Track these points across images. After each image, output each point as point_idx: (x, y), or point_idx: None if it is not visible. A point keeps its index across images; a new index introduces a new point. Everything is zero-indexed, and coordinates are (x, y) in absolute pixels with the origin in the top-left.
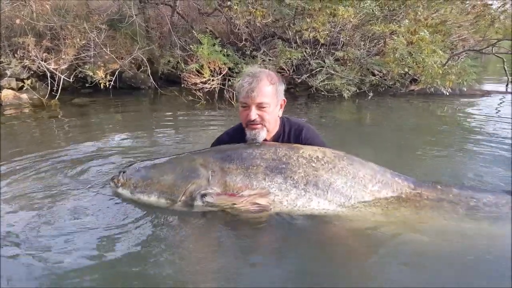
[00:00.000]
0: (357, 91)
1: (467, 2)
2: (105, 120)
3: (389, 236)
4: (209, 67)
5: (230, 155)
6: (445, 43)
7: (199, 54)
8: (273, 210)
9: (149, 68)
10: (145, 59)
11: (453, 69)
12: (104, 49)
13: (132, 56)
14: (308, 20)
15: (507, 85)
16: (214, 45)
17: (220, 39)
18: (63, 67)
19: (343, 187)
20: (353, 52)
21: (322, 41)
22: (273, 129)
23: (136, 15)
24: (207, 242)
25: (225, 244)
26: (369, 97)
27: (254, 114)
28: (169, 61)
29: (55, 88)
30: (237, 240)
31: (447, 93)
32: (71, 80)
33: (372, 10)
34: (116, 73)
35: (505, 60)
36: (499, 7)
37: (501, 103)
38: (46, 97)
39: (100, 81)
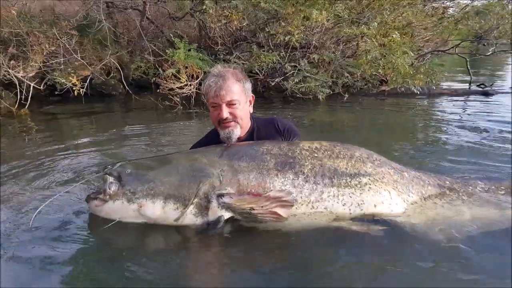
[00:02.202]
0: (331, 92)
1: (427, 5)
2: (79, 128)
3: None
4: (185, 72)
5: (235, 152)
6: (412, 45)
7: (175, 59)
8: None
9: (122, 74)
10: (117, 65)
11: (421, 68)
12: (74, 55)
13: (103, 62)
14: (283, 23)
15: (470, 84)
16: (190, 50)
17: (196, 43)
18: (31, 74)
19: (347, 168)
20: (328, 55)
21: (296, 44)
22: (246, 125)
23: (105, 19)
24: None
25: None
26: (345, 98)
27: (225, 112)
28: (139, 67)
29: (23, 97)
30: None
31: (418, 92)
32: (41, 87)
33: (342, 13)
34: (88, 79)
35: (468, 60)
36: (462, 9)
37: (466, 101)
38: (16, 106)
39: (74, 88)
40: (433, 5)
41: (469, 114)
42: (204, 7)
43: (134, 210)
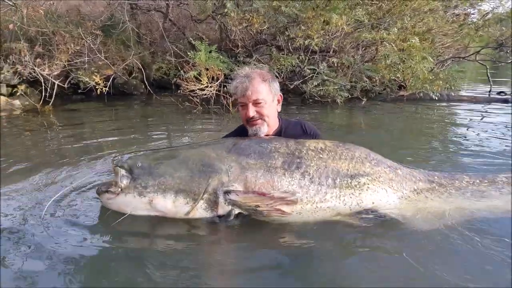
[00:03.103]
0: (349, 96)
1: (448, 12)
2: (100, 126)
3: None
4: (206, 74)
5: (244, 149)
6: (432, 50)
7: (196, 61)
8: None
9: (144, 75)
10: (140, 65)
11: (441, 74)
12: (98, 54)
13: (127, 62)
14: (303, 27)
15: (490, 91)
16: (210, 51)
17: (216, 45)
18: (55, 73)
19: (348, 170)
20: (347, 59)
21: (316, 48)
22: (274, 123)
23: (129, 20)
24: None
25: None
26: (363, 102)
27: (252, 111)
28: (160, 68)
29: (47, 94)
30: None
31: (436, 98)
32: (65, 86)
33: (363, 18)
34: (111, 79)
35: (488, 67)
36: (483, 16)
37: (485, 108)
38: (40, 103)
39: (97, 87)
40: (454, 11)
41: (487, 122)
42: (226, 10)
43: (145, 203)
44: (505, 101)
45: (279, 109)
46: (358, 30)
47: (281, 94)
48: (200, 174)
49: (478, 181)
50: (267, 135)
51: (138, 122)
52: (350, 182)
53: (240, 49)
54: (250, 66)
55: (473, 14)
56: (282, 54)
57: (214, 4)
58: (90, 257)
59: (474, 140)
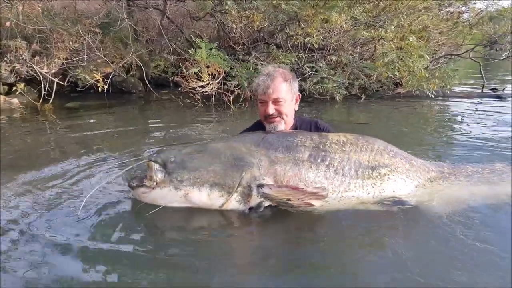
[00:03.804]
0: (347, 94)
1: (443, 10)
2: (101, 124)
3: None
4: (208, 71)
5: (272, 143)
6: (428, 48)
7: (197, 58)
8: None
9: (144, 72)
10: (139, 62)
11: (437, 72)
12: (97, 52)
13: (126, 60)
14: (302, 25)
15: (482, 88)
16: (211, 49)
17: (217, 43)
18: (53, 70)
19: (369, 161)
20: (346, 57)
21: (315, 46)
22: (290, 122)
23: (127, 18)
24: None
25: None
26: (361, 100)
27: (271, 109)
28: (158, 65)
29: (45, 92)
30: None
31: (432, 95)
32: (65, 83)
33: (360, 16)
34: (110, 77)
35: (481, 64)
36: (477, 14)
37: (479, 104)
38: (40, 101)
39: (98, 85)
40: (448, 9)
41: (481, 117)
42: (227, 7)
43: (180, 196)
44: (499, 97)
45: (297, 108)
46: (355, 28)
47: (300, 94)
48: (233, 167)
49: (480, 169)
50: None
51: (140, 119)
52: (371, 173)
53: (240, 46)
54: (273, 65)
55: (467, 12)
56: (281, 51)
57: (212, 1)
58: (124, 252)
59: (468, 134)
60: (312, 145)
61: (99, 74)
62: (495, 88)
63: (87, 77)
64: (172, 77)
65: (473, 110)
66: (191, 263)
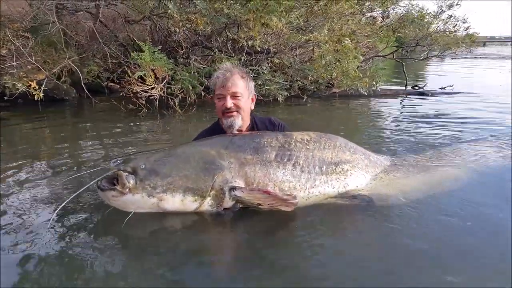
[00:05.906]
0: (288, 95)
1: (366, 15)
2: (37, 136)
3: None
4: (152, 75)
5: (240, 145)
6: (359, 50)
7: (140, 62)
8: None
9: (81, 78)
10: (74, 68)
11: (368, 72)
12: (29, 58)
13: (61, 66)
14: (245, 29)
15: (405, 86)
16: (154, 52)
17: (161, 46)
18: None
19: (332, 158)
20: (287, 59)
21: (258, 49)
22: (247, 119)
23: (59, 22)
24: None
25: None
26: (304, 100)
27: (229, 102)
28: (91, 71)
29: None
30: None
31: (365, 93)
32: None
33: (297, 20)
34: (43, 84)
35: (404, 64)
36: (399, 19)
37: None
38: None
39: (34, 93)
40: (370, 14)
41: (409, 112)
42: (169, 11)
43: (153, 203)
44: (421, 93)
45: (252, 107)
46: (291, 31)
47: (256, 94)
48: (204, 172)
49: (424, 159)
50: (240, 131)
51: (78, 128)
52: (335, 169)
53: (184, 50)
54: (232, 63)
55: (388, 18)
56: (223, 55)
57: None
58: (98, 255)
59: (399, 129)
60: (278, 145)
61: (34, 82)
62: (416, 86)
63: (18, 84)
64: (106, 82)
65: (400, 106)
66: (165, 262)
